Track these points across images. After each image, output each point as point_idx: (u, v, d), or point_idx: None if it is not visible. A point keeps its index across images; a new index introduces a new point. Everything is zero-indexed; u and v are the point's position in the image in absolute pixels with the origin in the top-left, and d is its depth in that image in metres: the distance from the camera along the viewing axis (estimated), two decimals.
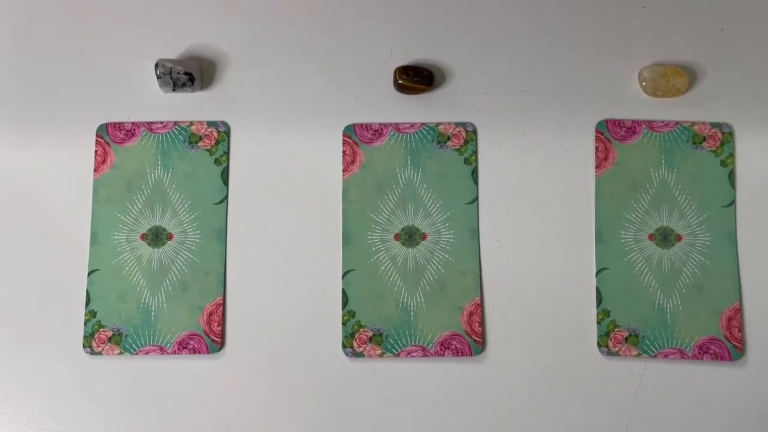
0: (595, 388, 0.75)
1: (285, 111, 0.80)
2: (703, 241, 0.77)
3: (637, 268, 0.77)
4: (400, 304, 0.77)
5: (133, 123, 0.80)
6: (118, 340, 0.77)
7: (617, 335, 0.76)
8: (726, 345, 0.75)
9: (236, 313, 0.77)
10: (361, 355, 0.76)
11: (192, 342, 0.76)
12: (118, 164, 0.79)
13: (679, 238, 0.77)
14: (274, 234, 0.78)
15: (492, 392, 0.76)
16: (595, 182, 0.78)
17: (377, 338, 0.76)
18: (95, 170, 0.79)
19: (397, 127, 0.80)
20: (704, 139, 0.78)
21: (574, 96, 0.80)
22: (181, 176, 0.79)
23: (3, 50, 0.83)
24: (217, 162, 0.79)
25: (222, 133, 0.80)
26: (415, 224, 0.78)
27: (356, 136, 0.79)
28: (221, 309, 0.77)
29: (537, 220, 0.78)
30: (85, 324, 0.77)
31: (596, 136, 0.79)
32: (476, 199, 0.79)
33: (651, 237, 0.77)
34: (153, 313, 0.77)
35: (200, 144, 0.80)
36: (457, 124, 0.80)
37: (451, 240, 0.78)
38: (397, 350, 0.76)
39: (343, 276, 0.77)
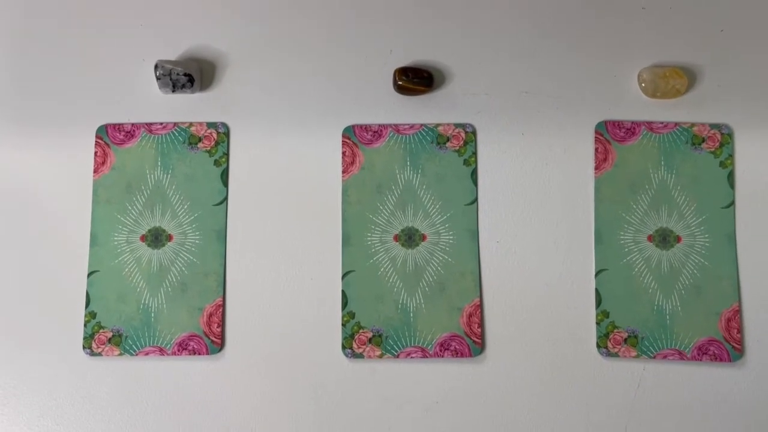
0: (595, 389, 0.76)
1: (285, 112, 0.80)
2: (702, 243, 0.77)
3: (636, 269, 0.77)
4: (400, 305, 0.77)
5: (132, 124, 0.80)
6: (117, 341, 0.77)
7: (616, 336, 0.76)
8: (725, 346, 0.75)
9: (236, 314, 0.77)
10: (360, 356, 0.76)
11: (192, 343, 0.76)
12: (117, 165, 0.79)
13: (678, 239, 0.77)
14: (273, 235, 0.78)
15: (491, 393, 0.76)
16: (595, 183, 0.78)
17: (377, 339, 0.76)
18: (95, 171, 0.79)
19: (396, 128, 0.80)
20: (703, 140, 0.79)
21: (573, 97, 0.80)
22: (181, 177, 0.79)
23: (3, 51, 0.83)
24: (216, 163, 0.79)
25: (222, 135, 0.80)
26: (414, 225, 0.78)
27: (356, 137, 0.80)
28: (221, 310, 0.77)
29: (536, 221, 0.78)
30: (84, 325, 0.77)
31: (595, 137, 0.79)
32: (476, 200, 0.79)
33: (650, 238, 0.77)
34: (153, 314, 0.77)
35: (200, 145, 0.80)
36: (457, 125, 0.80)
37: (450, 241, 0.78)
38: (396, 351, 0.76)
39: (343, 277, 0.77)
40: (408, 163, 0.79)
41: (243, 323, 0.77)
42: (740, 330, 0.76)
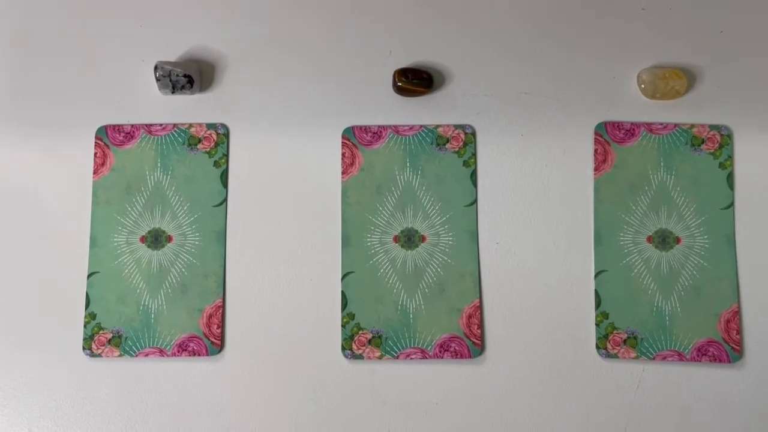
0: (594, 390, 0.76)
1: (284, 113, 0.80)
2: (701, 244, 0.77)
3: (635, 271, 0.77)
4: (400, 306, 0.77)
5: (132, 125, 0.80)
6: (117, 342, 0.77)
7: (616, 337, 0.76)
8: (724, 347, 0.75)
9: (236, 315, 0.77)
10: (360, 357, 0.76)
11: (191, 344, 0.77)
12: (117, 166, 0.79)
13: (677, 240, 0.77)
14: (273, 236, 0.78)
15: (491, 394, 0.76)
16: (594, 184, 0.78)
17: (376, 340, 0.76)
18: (94, 172, 0.79)
19: (396, 129, 0.80)
20: (703, 141, 0.79)
21: (573, 98, 0.80)
22: (181, 178, 0.79)
23: (3, 52, 0.83)
24: (216, 164, 0.80)
25: (221, 135, 0.80)
26: (414, 226, 0.78)
27: (355, 139, 0.80)
28: (221, 311, 0.77)
29: (536, 223, 0.78)
30: (84, 326, 0.77)
31: (595, 138, 0.79)
32: (475, 201, 0.79)
33: (650, 239, 0.77)
34: (153, 316, 0.77)
35: (199, 146, 0.80)
36: (456, 127, 0.80)
37: (450, 242, 0.78)
38: (396, 352, 0.76)
39: (343, 278, 0.77)
40: (407, 164, 0.79)
41: (243, 324, 0.77)
42: (739, 331, 0.76)
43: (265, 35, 0.82)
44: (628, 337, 0.76)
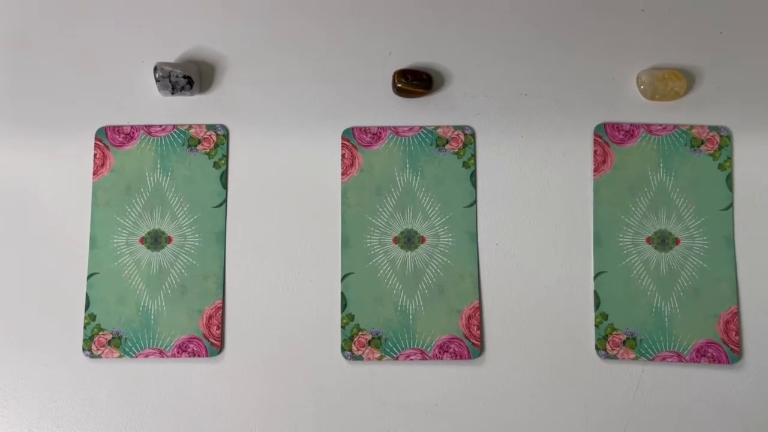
0: (593, 391, 0.76)
1: (284, 114, 0.80)
2: (700, 245, 0.77)
3: (635, 272, 0.77)
4: (399, 308, 0.77)
5: (132, 126, 0.80)
6: (117, 343, 0.77)
7: (615, 338, 0.76)
8: (723, 348, 0.76)
9: (235, 316, 0.77)
10: (359, 358, 0.76)
11: (191, 345, 0.77)
12: (117, 168, 0.79)
13: (677, 241, 0.77)
14: (273, 237, 0.79)
15: (490, 395, 0.76)
16: (594, 186, 0.78)
17: (376, 341, 0.77)
18: (94, 174, 0.79)
19: (395, 130, 0.80)
20: (702, 142, 0.79)
21: (572, 99, 0.80)
22: (180, 179, 0.79)
23: (2, 53, 0.83)
24: (216, 165, 0.80)
25: (221, 137, 0.80)
26: (413, 227, 0.78)
27: (355, 140, 0.80)
28: (220, 312, 0.77)
29: (535, 224, 0.78)
30: (84, 327, 0.77)
31: (594, 139, 0.79)
32: (475, 202, 0.79)
33: (649, 240, 0.77)
34: (152, 317, 0.77)
35: (199, 147, 0.80)
36: (456, 128, 0.80)
37: (449, 243, 0.78)
38: (395, 353, 0.76)
39: (342, 279, 0.78)
40: (407, 165, 0.79)
41: (242, 325, 0.77)
42: (738, 332, 0.76)
43: (265, 37, 0.82)
44: (628, 338, 0.76)
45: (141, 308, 0.77)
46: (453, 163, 0.79)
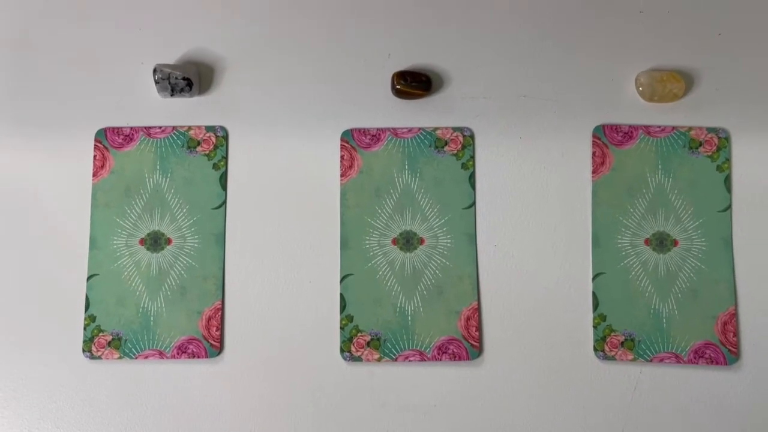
0: (592, 393, 0.76)
1: (283, 116, 0.81)
2: (699, 246, 0.77)
3: (633, 273, 0.77)
4: (398, 309, 0.77)
5: (131, 128, 0.80)
6: (117, 344, 0.77)
7: (613, 340, 0.76)
8: (721, 349, 0.76)
9: (235, 317, 0.78)
10: (359, 359, 0.77)
11: (191, 346, 0.77)
12: (116, 169, 0.80)
13: (675, 243, 0.78)
14: (272, 238, 0.79)
15: (489, 396, 0.76)
16: (592, 187, 0.79)
17: (375, 342, 0.77)
18: (94, 175, 0.80)
19: (394, 132, 0.80)
20: (700, 144, 0.79)
21: (571, 101, 0.80)
22: (180, 181, 0.79)
23: (2, 54, 0.83)
24: (215, 167, 0.80)
25: (220, 138, 0.80)
26: (412, 229, 0.79)
27: (354, 141, 0.80)
28: (220, 313, 0.77)
29: (534, 225, 0.79)
30: (84, 328, 0.77)
31: (593, 141, 0.79)
32: (473, 203, 0.79)
33: (647, 242, 0.78)
34: (152, 318, 0.77)
35: (198, 149, 0.80)
36: (455, 129, 0.80)
37: (448, 244, 0.78)
38: (394, 354, 0.77)
39: (341, 280, 0.78)
40: (406, 166, 0.79)
41: (242, 326, 0.77)
42: (736, 333, 0.76)
43: (264, 38, 0.82)
44: (626, 339, 0.76)
45: (141, 309, 0.77)
46: (452, 165, 0.79)
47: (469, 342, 0.77)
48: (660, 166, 0.79)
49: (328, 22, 0.82)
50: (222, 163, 0.80)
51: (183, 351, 0.77)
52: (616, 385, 0.76)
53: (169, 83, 0.79)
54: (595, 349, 0.76)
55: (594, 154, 0.79)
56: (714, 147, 0.79)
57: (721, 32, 0.81)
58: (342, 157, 0.80)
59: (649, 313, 0.76)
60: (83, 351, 0.77)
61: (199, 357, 0.77)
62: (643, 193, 0.78)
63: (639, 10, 0.82)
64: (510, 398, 0.76)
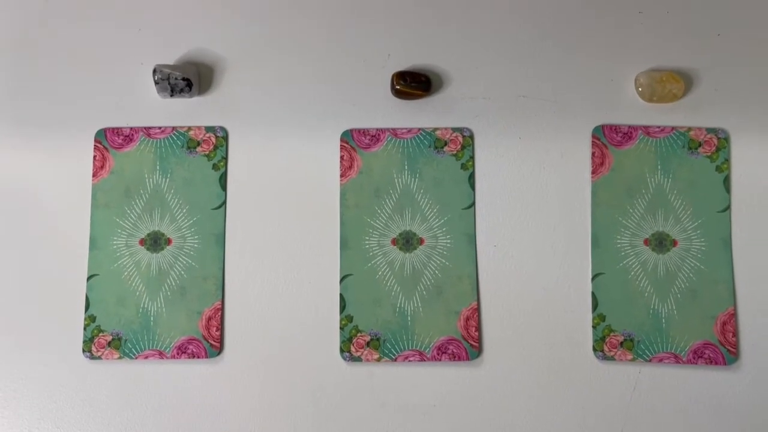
0: (591, 393, 0.76)
1: (283, 116, 0.81)
2: (698, 247, 0.77)
3: (632, 273, 0.77)
4: (398, 309, 0.77)
5: (131, 128, 0.80)
6: (117, 344, 0.77)
7: (613, 340, 0.76)
8: (720, 350, 0.76)
9: (235, 317, 0.78)
10: (358, 359, 0.77)
11: (191, 347, 0.77)
12: (116, 169, 0.80)
13: (674, 243, 0.78)
14: (272, 239, 0.79)
15: (488, 396, 0.76)
16: (592, 187, 0.79)
17: (375, 343, 0.77)
18: (94, 175, 0.80)
19: (394, 132, 0.80)
20: (700, 144, 0.79)
21: (570, 101, 0.80)
22: (180, 181, 0.79)
23: (2, 54, 0.83)
24: (215, 167, 0.80)
25: (220, 138, 0.80)
26: (412, 229, 0.79)
27: (354, 142, 0.80)
28: (220, 314, 0.77)
29: (533, 225, 0.79)
30: (84, 328, 0.77)
31: (592, 141, 0.79)
32: (473, 204, 0.79)
33: (646, 242, 0.78)
34: (152, 318, 0.77)
35: (198, 149, 0.80)
36: (454, 130, 0.80)
37: (448, 245, 0.78)
38: (394, 355, 0.77)
39: (341, 280, 0.78)
40: (406, 167, 0.79)
41: (242, 327, 0.78)
42: (735, 333, 0.76)
43: (264, 38, 0.82)
44: (625, 340, 0.76)
45: (141, 310, 0.78)
46: (451, 165, 0.79)
47: (468, 342, 0.77)
48: (659, 167, 0.79)
49: (327, 22, 0.82)
50: (222, 163, 0.80)
51: (183, 351, 0.77)
52: (615, 385, 0.76)
53: (169, 84, 0.79)
54: (595, 349, 0.76)
55: (593, 154, 0.79)
56: (713, 147, 0.79)
57: (721, 33, 0.81)
58: (342, 157, 0.80)
59: (648, 313, 0.77)
60: (83, 351, 0.77)
61: (199, 357, 0.77)
62: (642, 193, 0.78)
63: (638, 11, 0.82)
64: (509, 398, 0.76)
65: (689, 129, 0.79)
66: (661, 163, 0.79)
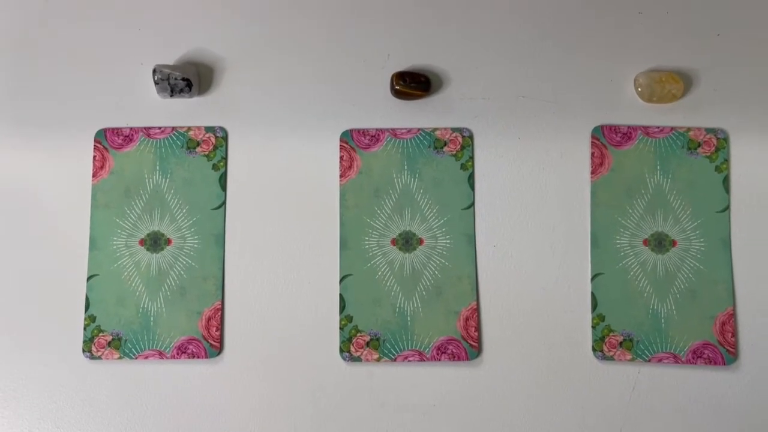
0: (590, 393, 0.76)
1: (283, 116, 0.81)
2: (697, 247, 0.78)
3: (631, 273, 0.77)
4: (397, 309, 0.77)
5: (131, 128, 0.80)
6: (117, 344, 0.77)
7: (612, 340, 0.77)
8: (719, 350, 0.76)
9: (234, 317, 0.78)
10: (358, 359, 0.77)
11: (191, 347, 0.77)
12: (116, 170, 0.80)
13: (673, 243, 0.78)
14: (271, 239, 0.79)
15: (488, 396, 0.76)
16: (591, 188, 0.79)
17: (374, 343, 0.77)
18: (94, 176, 0.80)
19: (394, 132, 0.80)
20: (699, 144, 0.79)
21: (570, 102, 0.80)
22: (179, 181, 0.79)
23: (2, 54, 0.83)
24: (215, 167, 0.80)
25: (220, 139, 0.80)
26: (411, 229, 0.79)
27: (353, 142, 0.80)
28: (219, 314, 0.78)
29: (533, 225, 0.79)
30: (84, 329, 0.78)
31: (592, 141, 0.79)
32: (472, 204, 0.79)
33: (646, 242, 0.78)
34: (152, 318, 0.77)
35: (198, 149, 0.80)
36: (454, 130, 0.80)
37: (447, 245, 0.78)
38: (394, 355, 0.77)
39: (341, 281, 0.78)
40: (405, 167, 0.79)
41: (241, 327, 0.78)
42: (734, 334, 0.76)
43: (263, 39, 0.82)
44: (624, 340, 0.76)
45: (141, 310, 0.78)
46: (451, 165, 0.79)
47: (468, 342, 0.77)
48: (659, 167, 0.79)
49: (327, 22, 0.82)
50: (221, 163, 0.80)
51: (183, 351, 0.77)
52: (614, 385, 0.76)
53: (169, 84, 0.79)
54: (594, 349, 0.76)
55: (593, 154, 0.79)
56: (713, 147, 0.79)
57: (720, 33, 0.81)
58: (341, 157, 0.80)
59: (647, 313, 0.77)
60: (83, 351, 0.77)
61: (198, 357, 0.77)
62: (641, 193, 0.78)
63: (638, 11, 0.82)
64: (509, 398, 0.76)
65: (688, 129, 0.79)
66: (661, 163, 0.79)
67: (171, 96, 0.80)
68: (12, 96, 0.82)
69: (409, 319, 0.77)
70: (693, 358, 0.76)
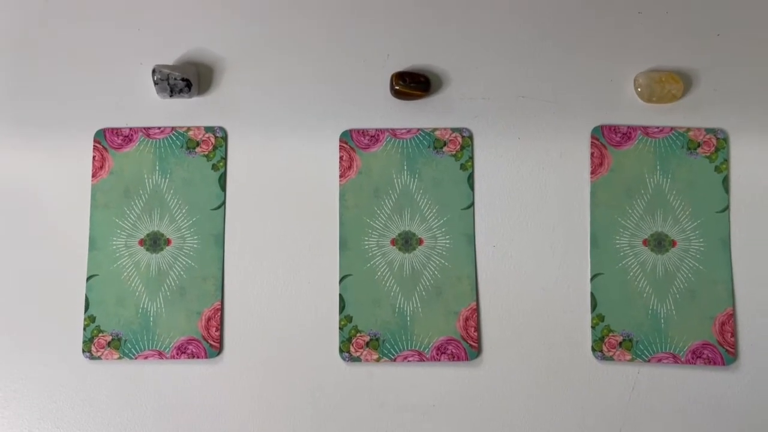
0: (590, 393, 0.76)
1: (282, 116, 0.81)
2: (697, 247, 0.77)
3: (631, 274, 0.77)
4: (397, 309, 0.77)
5: (130, 129, 0.80)
6: (117, 344, 0.77)
7: (611, 340, 0.77)
8: (719, 350, 0.76)
9: (234, 318, 0.78)
10: (358, 359, 0.77)
11: (190, 347, 0.77)
12: (116, 170, 0.80)
13: (673, 243, 0.78)
14: (271, 239, 0.79)
15: (488, 397, 0.76)
16: (591, 188, 0.79)
17: (374, 343, 0.77)
18: (93, 176, 0.80)
19: (393, 132, 0.80)
20: (699, 145, 0.79)
21: (569, 102, 0.80)
22: (179, 182, 0.79)
23: (2, 54, 0.83)
24: (214, 167, 0.80)
25: (219, 139, 0.80)
26: (411, 229, 0.79)
27: (353, 142, 0.80)
28: (219, 314, 0.78)
29: (532, 226, 0.79)
30: (84, 329, 0.78)
31: (592, 141, 0.79)
32: (472, 204, 0.79)
33: (645, 242, 0.78)
34: (152, 318, 0.78)
35: (198, 149, 0.80)
36: (454, 130, 0.80)
37: (447, 245, 0.78)
38: (393, 355, 0.77)
39: (340, 281, 0.78)
40: (405, 167, 0.79)
41: (241, 327, 0.78)
42: (734, 334, 0.76)
43: (264, 38, 0.82)
44: (624, 340, 0.76)
45: (140, 310, 0.78)
46: (450, 166, 0.79)
47: (467, 342, 0.77)
48: (658, 167, 0.79)
49: (327, 22, 0.82)
50: (221, 163, 0.80)
51: (182, 351, 0.77)
52: (614, 386, 0.76)
53: (168, 84, 0.79)
54: (594, 350, 0.76)
55: (592, 154, 0.79)
56: (712, 148, 0.79)
57: (720, 33, 0.81)
58: (341, 157, 0.80)
59: (647, 313, 0.77)
60: (83, 351, 0.77)
61: (198, 357, 0.77)
62: (641, 193, 0.78)
63: (638, 11, 0.82)
64: (508, 398, 0.76)
65: (688, 129, 0.79)
66: (660, 163, 0.79)
67: (170, 96, 0.80)
68: (12, 96, 0.82)
69: (408, 319, 0.77)
70: (692, 359, 0.76)
